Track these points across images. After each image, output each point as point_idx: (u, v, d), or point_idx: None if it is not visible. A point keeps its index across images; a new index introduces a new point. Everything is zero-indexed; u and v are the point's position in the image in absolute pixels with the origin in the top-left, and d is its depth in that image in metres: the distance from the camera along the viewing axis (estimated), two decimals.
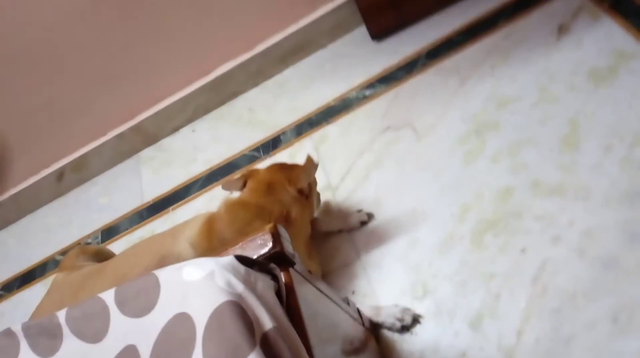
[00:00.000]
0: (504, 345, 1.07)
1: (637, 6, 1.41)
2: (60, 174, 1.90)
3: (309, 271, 0.88)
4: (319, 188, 1.36)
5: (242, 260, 0.66)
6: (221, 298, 0.57)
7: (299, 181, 1.18)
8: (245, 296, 0.59)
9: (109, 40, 1.59)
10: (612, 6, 1.45)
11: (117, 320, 0.62)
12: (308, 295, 0.80)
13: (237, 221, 1.11)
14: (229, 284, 0.59)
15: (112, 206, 1.83)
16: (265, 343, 0.56)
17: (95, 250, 1.38)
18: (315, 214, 1.30)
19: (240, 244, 0.76)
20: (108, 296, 0.64)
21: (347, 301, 1.05)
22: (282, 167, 1.24)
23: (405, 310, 1.18)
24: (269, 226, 0.76)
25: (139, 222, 1.75)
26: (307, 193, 1.20)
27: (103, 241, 1.77)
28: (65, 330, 0.65)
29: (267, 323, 0.58)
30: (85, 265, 1.30)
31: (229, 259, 0.63)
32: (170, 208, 1.73)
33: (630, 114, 1.26)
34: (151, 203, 1.78)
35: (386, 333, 1.19)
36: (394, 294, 1.24)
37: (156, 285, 0.62)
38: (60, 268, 1.34)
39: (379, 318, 1.18)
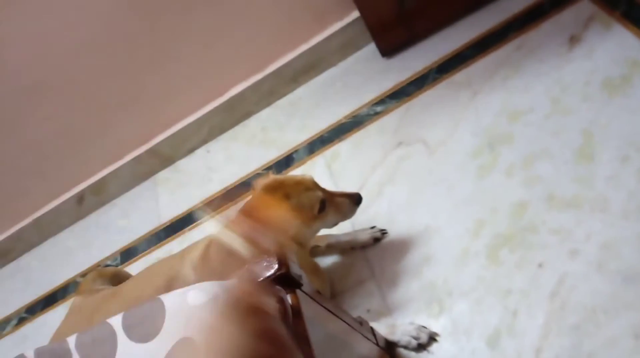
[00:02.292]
0: None
1: None
2: (80, 197, 1.94)
3: (318, 291, 0.87)
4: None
5: None
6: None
7: (271, 236, 0.96)
8: None
9: (123, 66, 1.63)
10: (624, 14, 1.43)
11: (124, 346, 0.62)
12: (316, 317, 0.79)
13: (221, 251, 1.07)
14: None
15: (131, 228, 1.86)
16: None
17: (112, 273, 1.39)
18: (342, 221, 1.20)
19: (245, 266, 0.76)
20: (116, 321, 0.65)
21: (360, 321, 1.04)
22: (269, 195, 1.07)
23: (421, 328, 1.16)
24: (274, 248, 0.76)
25: (157, 243, 1.77)
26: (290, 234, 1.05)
27: (122, 262, 1.80)
28: (75, 356, 0.65)
29: None
30: (102, 288, 1.32)
31: (233, 282, 0.64)
32: (187, 228, 1.75)
33: None
34: (168, 223, 1.80)
35: (402, 352, 1.17)
36: (409, 312, 1.23)
37: (162, 310, 0.62)
38: (78, 291, 1.36)
39: (395, 337, 1.16)
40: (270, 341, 0.45)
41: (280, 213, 1.03)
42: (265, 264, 0.75)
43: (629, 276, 1.05)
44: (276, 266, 0.74)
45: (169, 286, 1.09)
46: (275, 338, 0.46)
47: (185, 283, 0.85)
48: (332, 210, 1.13)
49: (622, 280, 1.05)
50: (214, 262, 1.08)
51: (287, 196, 1.05)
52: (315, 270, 1.25)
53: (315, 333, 0.72)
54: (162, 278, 1.14)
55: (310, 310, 0.76)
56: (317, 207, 1.08)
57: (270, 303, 0.54)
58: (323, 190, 1.14)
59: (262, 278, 0.73)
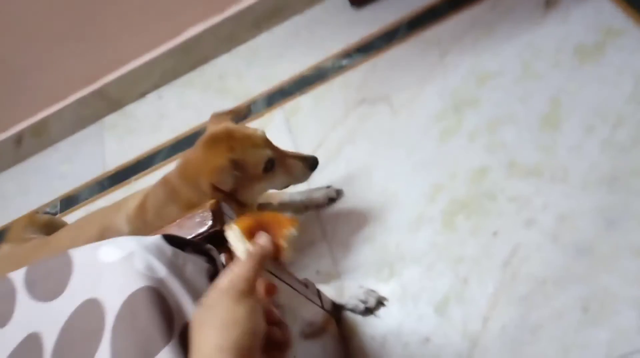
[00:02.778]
0: (469, 331, 1.03)
1: None
2: (18, 138, 1.79)
3: None
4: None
5: (172, 240, 0.59)
6: (138, 283, 0.50)
7: (214, 177, 0.93)
8: (167, 281, 0.52)
9: None
10: None
11: (23, 304, 0.55)
12: None
13: (157, 202, 1.00)
14: (150, 268, 0.52)
15: (73, 174, 1.74)
16: (187, 335, 0.49)
17: (45, 221, 1.29)
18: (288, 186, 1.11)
19: (177, 221, 0.68)
20: (17, 276, 0.57)
21: (306, 283, 0.99)
22: (211, 145, 0.98)
23: (370, 291, 1.12)
24: (209, 203, 0.69)
25: (100, 191, 1.67)
26: (227, 189, 0.96)
27: (62, 210, 1.69)
28: None
29: (192, 312, 0.52)
30: (33, 237, 1.22)
31: (153, 239, 0.56)
32: (133, 177, 1.64)
33: (615, 94, 1.20)
34: (113, 171, 1.69)
35: (349, 315, 1.13)
36: (359, 275, 1.18)
37: (69, 266, 0.55)
38: (6, 239, 1.26)
39: (342, 300, 1.12)
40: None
41: (218, 166, 0.94)
42: (198, 220, 0.68)
43: (582, 248, 1.03)
44: (210, 222, 0.67)
45: (101, 238, 1.00)
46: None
47: (118, 235, 0.77)
48: (282, 172, 1.03)
49: (575, 253, 1.03)
50: (150, 214, 1.00)
51: (231, 150, 0.96)
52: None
53: None
54: (96, 229, 1.05)
55: None
56: (261, 166, 0.99)
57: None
58: (274, 148, 1.04)
59: (194, 235, 0.66)
